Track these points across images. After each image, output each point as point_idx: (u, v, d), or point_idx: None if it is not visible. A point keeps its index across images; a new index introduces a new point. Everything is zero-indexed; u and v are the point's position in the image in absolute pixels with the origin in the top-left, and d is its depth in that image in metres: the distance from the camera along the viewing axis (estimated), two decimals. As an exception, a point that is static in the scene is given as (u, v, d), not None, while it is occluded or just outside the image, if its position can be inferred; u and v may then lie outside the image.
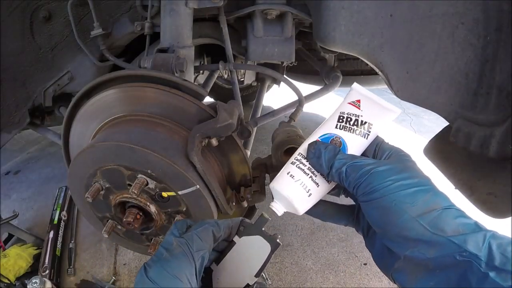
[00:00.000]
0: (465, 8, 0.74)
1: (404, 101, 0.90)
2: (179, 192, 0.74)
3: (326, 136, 0.60)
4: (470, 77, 0.78)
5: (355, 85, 0.63)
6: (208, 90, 1.49)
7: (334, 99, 3.76)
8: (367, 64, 0.96)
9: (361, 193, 0.50)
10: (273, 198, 0.63)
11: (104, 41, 1.16)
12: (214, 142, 0.74)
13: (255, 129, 1.23)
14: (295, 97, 1.23)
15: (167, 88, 0.78)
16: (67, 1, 1.09)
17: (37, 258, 1.56)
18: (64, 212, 1.88)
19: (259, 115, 1.44)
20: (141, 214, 0.80)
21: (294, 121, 1.13)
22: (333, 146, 0.57)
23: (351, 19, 0.88)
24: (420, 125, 3.20)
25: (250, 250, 0.56)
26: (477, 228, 0.43)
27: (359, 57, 0.94)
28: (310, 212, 0.62)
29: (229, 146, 0.82)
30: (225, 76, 2.68)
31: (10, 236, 1.66)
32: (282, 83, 1.53)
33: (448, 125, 0.85)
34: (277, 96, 2.78)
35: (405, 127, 3.16)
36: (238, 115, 0.79)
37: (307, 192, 0.59)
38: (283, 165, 0.78)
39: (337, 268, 1.55)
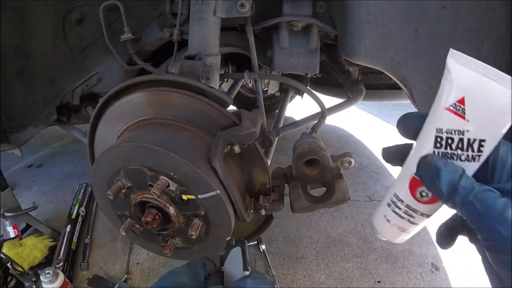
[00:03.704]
0: (490, 23, 0.74)
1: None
2: (199, 196, 0.76)
3: None
4: (495, 94, 0.77)
5: (453, 65, 0.41)
6: (232, 98, 1.52)
7: (356, 113, 3.73)
8: (391, 78, 0.96)
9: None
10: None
11: (133, 46, 1.20)
12: (236, 149, 0.76)
13: (276, 138, 1.24)
14: (317, 109, 1.23)
15: (193, 94, 0.80)
16: (99, 5, 1.13)
17: (52, 250, 1.59)
18: (82, 208, 1.92)
19: (281, 125, 1.44)
20: (160, 214, 0.82)
21: (316, 132, 1.13)
22: (455, 164, 0.42)
23: (377, 32, 0.88)
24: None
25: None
26: None
27: (384, 71, 0.94)
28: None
29: (250, 154, 0.83)
30: (250, 85, 2.71)
31: (28, 227, 1.70)
32: (305, 95, 1.53)
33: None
34: (299, 107, 2.78)
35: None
36: (261, 124, 0.80)
37: (405, 231, 0.52)
38: (303, 176, 0.78)
39: (350, 284, 1.52)
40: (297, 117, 1.53)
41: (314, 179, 0.88)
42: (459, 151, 0.42)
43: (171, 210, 0.80)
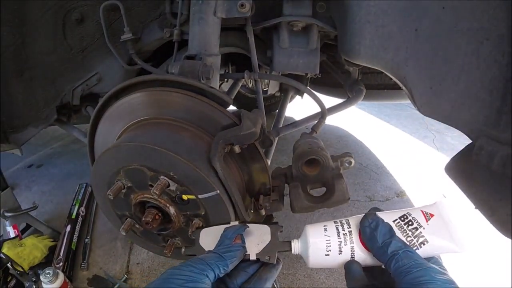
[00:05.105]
0: (490, 23, 0.73)
1: (428, 118, 0.89)
2: (199, 196, 0.76)
3: None
4: (494, 94, 0.76)
5: (444, 201, 0.62)
6: (232, 98, 1.53)
7: (356, 113, 3.74)
8: (391, 79, 0.96)
9: (409, 282, 0.51)
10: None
11: (133, 46, 1.20)
12: (236, 149, 0.76)
13: (276, 139, 1.24)
14: (317, 109, 1.23)
15: (193, 94, 0.80)
16: (99, 5, 1.13)
17: (52, 250, 1.59)
18: (82, 208, 1.93)
19: (281, 125, 1.44)
20: (160, 214, 0.82)
21: (316, 132, 1.13)
22: (391, 226, 0.59)
23: (376, 33, 0.88)
24: (443, 143, 3.12)
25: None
26: None
27: (383, 71, 0.94)
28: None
29: (250, 154, 0.83)
30: (250, 85, 2.71)
31: (28, 227, 1.71)
32: (305, 95, 1.53)
33: (471, 143, 0.84)
34: (299, 107, 2.78)
35: (428, 144, 3.10)
36: (261, 124, 0.81)
37: (327, 251, 0.59)
38: (303, 176, 0.78)
39: (350, 284, 1.53)
40: (297, 117, 1.53)
41: (314, 179, 0.88)
42: (409, 233, 0.58)
43: (171, 210, 0.80)
